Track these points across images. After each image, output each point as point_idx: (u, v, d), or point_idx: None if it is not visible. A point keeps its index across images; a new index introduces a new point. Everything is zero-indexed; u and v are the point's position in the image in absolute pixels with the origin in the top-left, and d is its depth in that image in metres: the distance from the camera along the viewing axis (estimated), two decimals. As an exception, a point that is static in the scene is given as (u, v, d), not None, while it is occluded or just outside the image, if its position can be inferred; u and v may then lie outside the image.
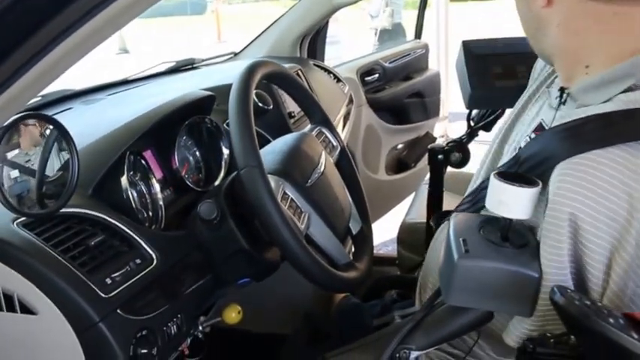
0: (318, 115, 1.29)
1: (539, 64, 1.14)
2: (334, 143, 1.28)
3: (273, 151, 1.10)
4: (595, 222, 0.73)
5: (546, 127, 0.89)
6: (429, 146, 1.59)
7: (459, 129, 4.81)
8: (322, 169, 1.12)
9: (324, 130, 1.28)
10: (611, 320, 0.60)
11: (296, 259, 0.95)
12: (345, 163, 1.30)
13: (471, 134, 1.58)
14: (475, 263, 0.75)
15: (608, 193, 0.72)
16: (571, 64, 0.87)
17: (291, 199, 1.03)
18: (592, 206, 0.73)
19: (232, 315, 1.17)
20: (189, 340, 1.10)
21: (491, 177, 0.76)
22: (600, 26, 0.81)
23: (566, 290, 0.64)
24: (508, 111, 1.16)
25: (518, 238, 0.78)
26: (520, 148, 0.92)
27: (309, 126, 1.28)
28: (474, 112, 1.58)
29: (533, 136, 0.91)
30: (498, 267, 0.74)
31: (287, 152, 1.10)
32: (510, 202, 0.74)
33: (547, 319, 0.77)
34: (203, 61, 2.18)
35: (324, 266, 0.98)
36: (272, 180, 0.97)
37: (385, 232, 2.61)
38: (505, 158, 1.01)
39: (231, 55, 2.32)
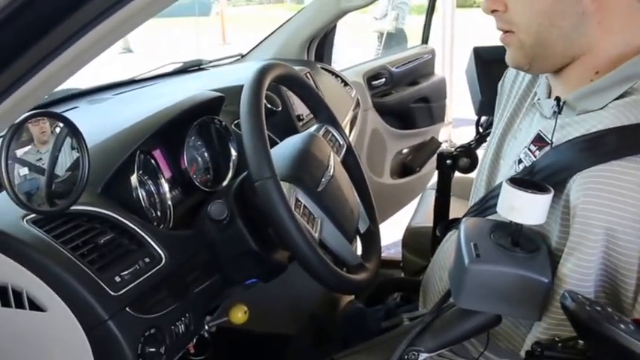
0: (324, 114, 1.29)
1: (509, 75, 1.15)
2: (341, 142, 1.28)
3: (283, 155, 1.09)
4: (626, 229, 0.74)
5: (546, 137, 0.90)
6: (438, 151, 1.59)
7: (462, 134, 4.82)
8: (332, 172, 1.12)
9: (331, 129, 1.27)
10: (622, 326, 0.61)
11: (311, 267, 0.95)
12: (351, 161, 1.30)
13: (480, 140, 1.58)
14: (486, 268, 0.75)
15: (634, 200, 0.74)
16: (584, 70, 0.87)
17: (304, 205, 1.03)
18: (622, 215, 0.74)
19: (239, 315, 1.18)
20: (194, 339, 1.10)
21: (504, 183, 0.77)
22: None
23: (577, 296, 0.64)
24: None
25: (528, 244, 0.78)
26: (520, 160, 0.94)
27: (315, 125, 1.28)
28: (483, 118, 1.59)
29: (532, 147, 0.92)
30: (509, 272, 0.75)
31: (297, 157, 1.09)
32: (522, 208, 0.74)
33: (561, 325, 0.78)
34: (210, 62, 2.18)
35: (337, 272, 0.98)
36: (284, 187, 0.96)
37: (389, 235, 2.62)
38: (503, 171, 1.02)
39: (238, 57, 2.33)
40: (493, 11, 0.90)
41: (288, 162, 1.07)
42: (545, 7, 0.84)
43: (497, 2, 0.89)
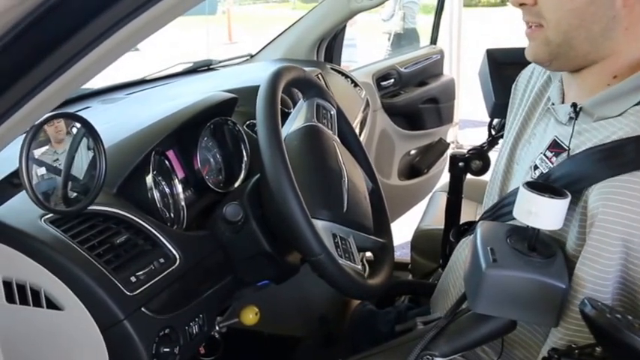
0: (312, 90, 1.22)
1: (522, 77, 1.14)
2: (331, 111, 1.23)
3: (303, 183, 0.99)
4: None
5: (563, 143, 0.89)
6: (450, 153, 1.59)
7: (469, 136, 4.81)
8: (346, 177, 1.09)
9: (320, 102, 1.21)
10: (642, 333, 0.61)
11: (337, 283, 0.96)
12: (344, 126, 1.27)
13: (492, 142, 1.58)
14: (503, 273, 0.75)
15: None
16: (602, 74, 0.87)
17: (340, 237, 1.02)
18: None
19: (250, 316, 1.18)
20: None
21: (521, 187, 0.77)
22: None
23: (597, 303, 0.64)
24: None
25: (545, 249, 0.78)
26: (536, 166, 0.93)
27: (305, 103, 1.20)
28: (495, 120, 1.58)
29: (549, 154, 0.91)
30: (526, 277, 0.75)
31: (320, 183, 1.06)
32: (540, 212, 0.74)
33: (578, 332, 0.78)
34: (220, 62, 2.19)
35: (357, 280, 0.98)
36: (318, 226, 0.95)
37: (397, 237, 2.61)
38: (518, 176, 1.01)
39: (248, 57, 2.33)
40: (521, 5, 0.88)
41: (314, 193, 1.03)
42: (579, 7, 0.83)
43: None
